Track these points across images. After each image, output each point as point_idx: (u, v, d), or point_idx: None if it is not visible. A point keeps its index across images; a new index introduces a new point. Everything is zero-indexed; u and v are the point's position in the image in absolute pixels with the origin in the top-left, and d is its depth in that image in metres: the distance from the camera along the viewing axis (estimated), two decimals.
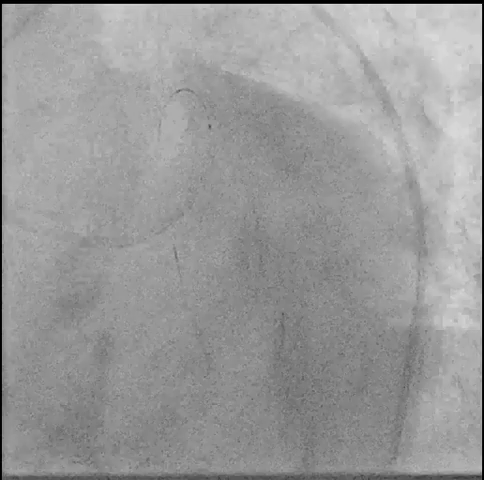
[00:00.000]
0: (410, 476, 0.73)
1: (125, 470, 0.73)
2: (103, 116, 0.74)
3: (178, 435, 0.73)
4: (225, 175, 0.74)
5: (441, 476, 0.73)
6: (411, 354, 0.73)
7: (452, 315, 0.74)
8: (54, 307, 0.73)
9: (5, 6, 0.74)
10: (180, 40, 0.75)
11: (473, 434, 0.74)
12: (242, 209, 0.74)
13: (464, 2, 0.76)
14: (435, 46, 0.76)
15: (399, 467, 0.73)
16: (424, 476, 0.73)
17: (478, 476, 0.73)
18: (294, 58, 0.75)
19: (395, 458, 0.73)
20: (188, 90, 0.74)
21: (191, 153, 0.74)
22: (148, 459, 0.73)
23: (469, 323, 0.74)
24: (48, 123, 0.74)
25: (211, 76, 0.75)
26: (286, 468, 0.73)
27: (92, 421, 0.73)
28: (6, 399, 0.73)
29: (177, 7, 0.75)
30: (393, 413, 0.73)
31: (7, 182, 0.73)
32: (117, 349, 0.73)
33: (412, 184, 0.75)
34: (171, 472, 0.73)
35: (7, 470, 0.72)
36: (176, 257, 0.74)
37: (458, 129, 0.75)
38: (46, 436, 0.73)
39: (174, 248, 0.74)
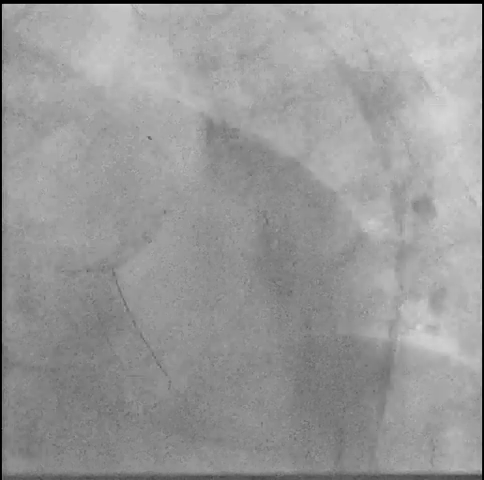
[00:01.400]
0: (393, 476, 0.73)
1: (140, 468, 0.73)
2: (100, 130, 0.74)
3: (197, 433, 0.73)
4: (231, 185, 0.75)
5: (441, 476, 0.73)
6: (387, 367, 0.74)
7: (427, 331, 0.74)
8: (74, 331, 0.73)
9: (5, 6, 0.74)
10: (181, 39, 0.75)
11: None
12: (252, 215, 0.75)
13: (464, 2, 0.76)
14: (412, 43, 0.76)
15: (380, 467, 0.74)
16: (424, 476, 0.73)
17: (478, 476, 0.73)
18: (274, 58, 0.75)
19: (373, 458, 0.74)
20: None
21: (191, 164, 0.74)
22: (164, 458, 0.73)
23: (442, 339, 0.74)
24: (46, 136, 0.74)
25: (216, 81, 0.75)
26: (288, 468, 0.73)
27: (114, 428, 0.73)
28: (8, 402, 0.73)
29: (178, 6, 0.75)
30: (373, 416, 0.74)
31: (6, 197, 0.73)
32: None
33: (396, 190, 0.75)
34: (183, 471, 0.73)
35: (7, 470, 0.72)
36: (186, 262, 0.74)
37: (445, 127, 0.75)
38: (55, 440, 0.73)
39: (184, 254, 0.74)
